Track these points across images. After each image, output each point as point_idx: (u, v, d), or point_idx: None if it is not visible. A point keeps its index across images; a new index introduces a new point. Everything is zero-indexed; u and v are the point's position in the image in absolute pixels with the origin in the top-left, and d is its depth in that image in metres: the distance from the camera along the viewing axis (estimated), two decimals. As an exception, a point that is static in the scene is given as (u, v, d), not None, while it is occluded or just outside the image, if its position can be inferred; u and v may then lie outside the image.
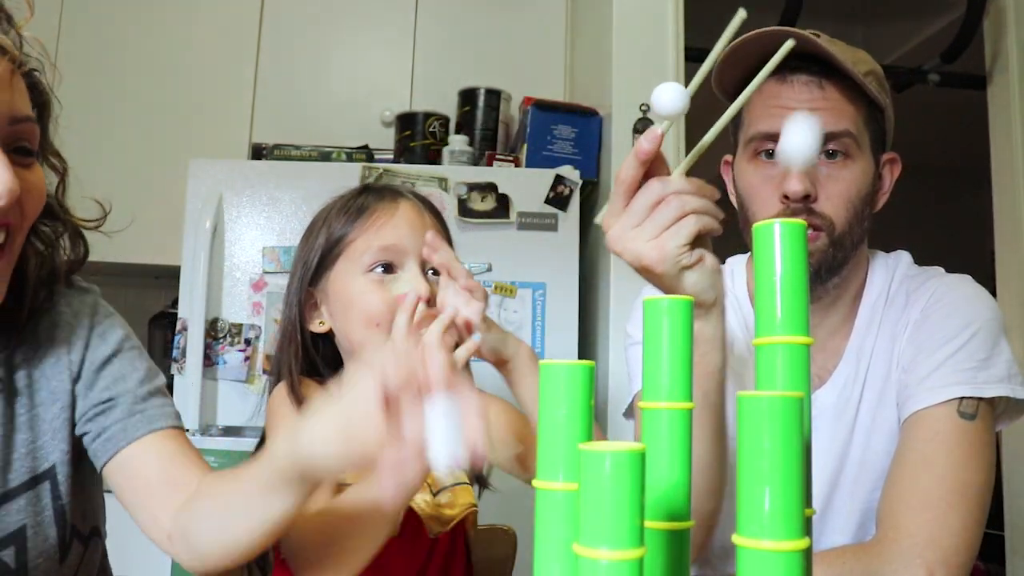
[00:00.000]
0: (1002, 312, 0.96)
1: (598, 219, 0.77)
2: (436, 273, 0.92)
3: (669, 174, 0.74)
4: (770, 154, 0.94)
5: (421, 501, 0.90)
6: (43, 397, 0.80)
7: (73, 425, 0.81)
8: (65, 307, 0.83)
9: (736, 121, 0.99)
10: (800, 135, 0.73)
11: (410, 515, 0.87)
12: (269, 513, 0.65)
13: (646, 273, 0.74)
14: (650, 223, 0.72)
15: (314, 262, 0.94)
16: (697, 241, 0.73)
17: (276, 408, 0.90)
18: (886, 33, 3.22)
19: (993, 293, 2.30)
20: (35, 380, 0.80)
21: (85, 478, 0.84)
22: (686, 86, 0.70)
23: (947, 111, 3.26)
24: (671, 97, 0.68)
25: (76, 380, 0.81)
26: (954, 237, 3.70)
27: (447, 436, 0.56)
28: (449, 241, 0.97)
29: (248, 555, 0.69)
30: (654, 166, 0.73)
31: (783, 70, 0.92)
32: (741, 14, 0.70)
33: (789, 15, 2.19)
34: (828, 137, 0.92)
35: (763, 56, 0.93)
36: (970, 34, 2.37)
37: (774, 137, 0.93)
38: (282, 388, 0.92)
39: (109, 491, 0.87)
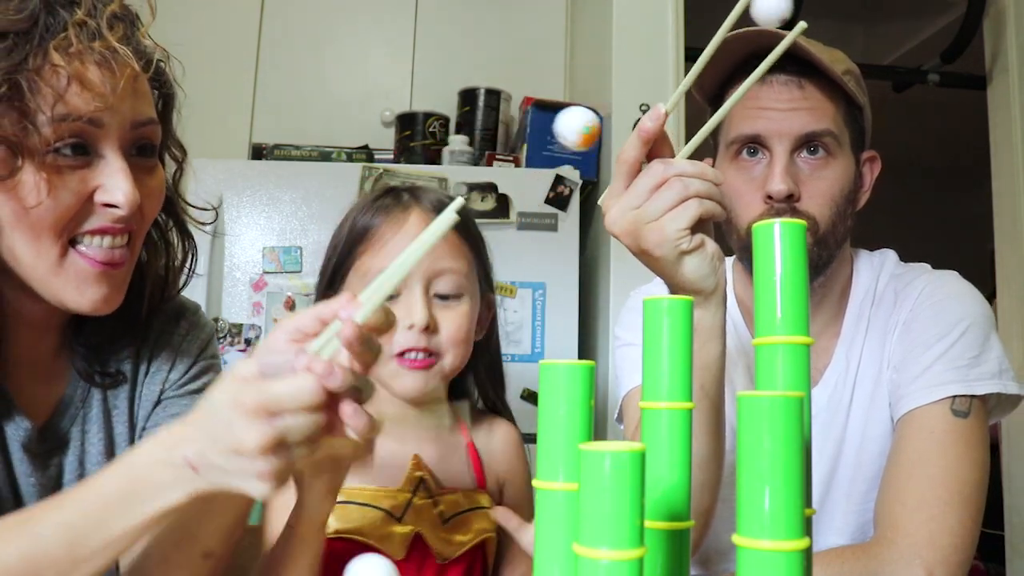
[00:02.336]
0: (989, 308, 0.96)
1: (600, 200, 0.76)
2: (444, 298, 0.88)
3: (673, 156, 0.72)
4: (752, 152, 0.94)
5: (429, 526, 0.87)
6: (145, 400, 0.83)
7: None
8: (184, 326, 0.85)
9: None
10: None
11: (417, 539, 0.86)
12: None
13: (644, 257, 0.72)
14: (650, 205, 0.70)
15: (328, 273, 0.92)
16: (698, 226, 0.71)
17: None
18: (886, 33, 3.23)
19: (993, 293, 2.30)
20: (138, 382, 0.83)
21: None
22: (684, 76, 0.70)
23: (947, 111, 3.26)
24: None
25: (160, 394, 0.83)
26: (954, 237, 3.70)
27: None
28: (475, 257, 0.93)
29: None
30: (657, 147, 0.71)
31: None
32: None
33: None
34: (809, 136, 0.92)
35: (745, 57, 0.93)
36: (970, 34, 2.37)
37: (755, 139, 0.93)
38: None
39: None
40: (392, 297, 0.84)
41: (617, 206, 0.72)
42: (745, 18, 0.71)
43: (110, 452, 0.79)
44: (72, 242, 0.68)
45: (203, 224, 0.87)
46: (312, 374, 0.53)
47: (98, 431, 0.79)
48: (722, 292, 0.75)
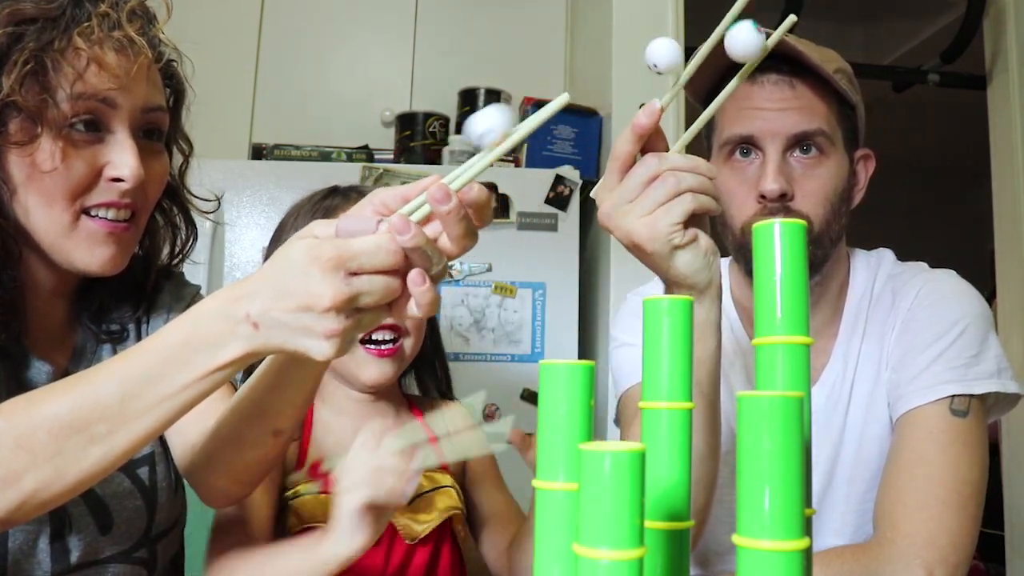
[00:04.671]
0: (987, 307, 0.96)
1: (593, 192, 0.76)
2: None
3: (667, 150, 0.72)
4: (745, 152, 0.94)
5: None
6: None
7: None
8: (170, 286, 0.92)
9: (709, 125, 0.98)
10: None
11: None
12: None
13: (637, 251, 0.72)
14: (643, 199, 0.70)
15: None
16: (692, 220, 0.70)
17: None
18: (886, 33, 3.22)
19: (993, 293, 2.30)
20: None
21: None
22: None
23: (947, 111, 3.26)
24: (666, 50, 0.66)
25: None
26: (954, 237, 3.70)
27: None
28: None
29: None
30: (652, 141, 0.71)
31: (753, 71, 0.92)
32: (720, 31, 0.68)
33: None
34: (801, 136, 0.92)
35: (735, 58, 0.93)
36: (970, 34, 2.37)
37: (748, 140, 0.93)
38: None
39: None
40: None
41: (610, 200, 0.72)
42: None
43: None
44: (88, 210, 0.75)
45: (206, 212, 0.93)
46: (389, 234, 0.54)
47: None
48: (717, 287, 0.75)
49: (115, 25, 0.73)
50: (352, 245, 0.54)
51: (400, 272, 0.56)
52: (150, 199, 0.81)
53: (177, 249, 0.91)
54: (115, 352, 0.86)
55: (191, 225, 0.92)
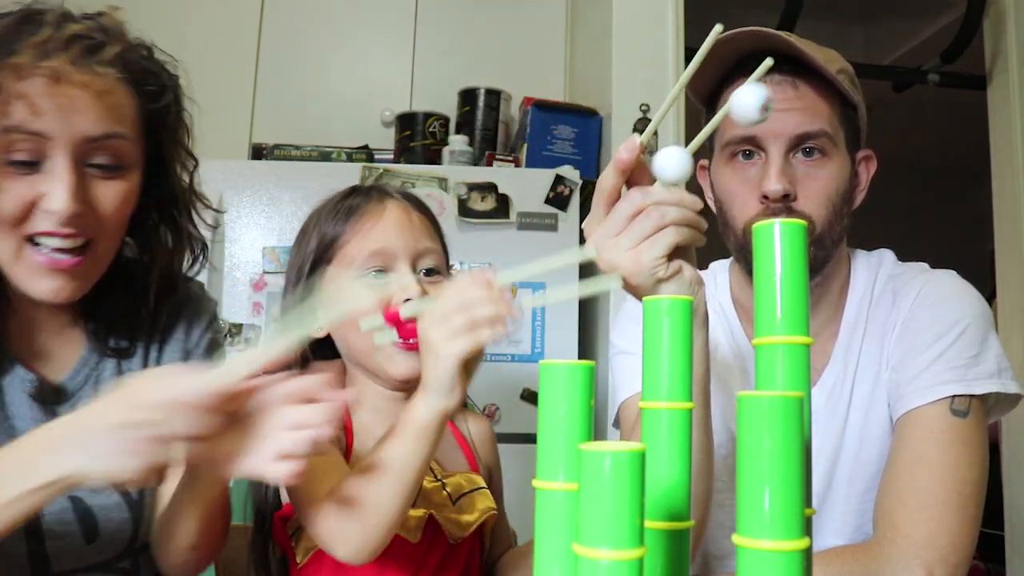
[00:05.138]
0: (988, 307, 0.96)
1: (583, 225, 0.77)
2: (429, 273, 0.92)
3: (652, 183, 0.72)
4: (748, 155, 0.94)
5: (440, 507, 0.89)
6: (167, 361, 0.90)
7: None
8: (187, 301, 0.92)
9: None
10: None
11: (430, 522, 0.87)
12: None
13: (623, 283, 0.73)
14: (628, 233, 0.71)
15: (307, 267, 0.94)
16: (678, 252, 0.71)
17: None
18: (886, 33, 3.22)
19: (993, 293, 2.30)
20: (159, 360, 0.90)
21: None
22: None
23: (947, 111, 3.26)
24: (675, 161, 0.67)
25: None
26: (954, 237, 3.70)
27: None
28: (440, 239, 0.97)
29: None
30: (636, 175, 0.72)
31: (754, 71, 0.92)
32: (717, 29, 0.68)
33: (789, 15, 2.19)
34: (804, 137, 0.92)
35: (737, 58, 0.93)
36: (970, 34, 2.37)
37: (750, 140, 0.93)
38: None
39: None
40: (380, 274, 0.90)
41: (596, 233, 0.73)
42: (731, 25, 0.71)
43: None
44: (33, 239, 0.75)
45: (208, 225, 0.93)
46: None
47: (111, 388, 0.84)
48: (703, 315, 0.76)
49: (46, 55, 0.72)
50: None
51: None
52: (107, 227, 0.79)
53: (190, 260, 0.92)
54: (119, 369, 0.87)
55: (199, 240, 0.92)
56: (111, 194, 0.78)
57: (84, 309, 0.85)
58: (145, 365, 0.89)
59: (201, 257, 0.93)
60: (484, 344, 0.69)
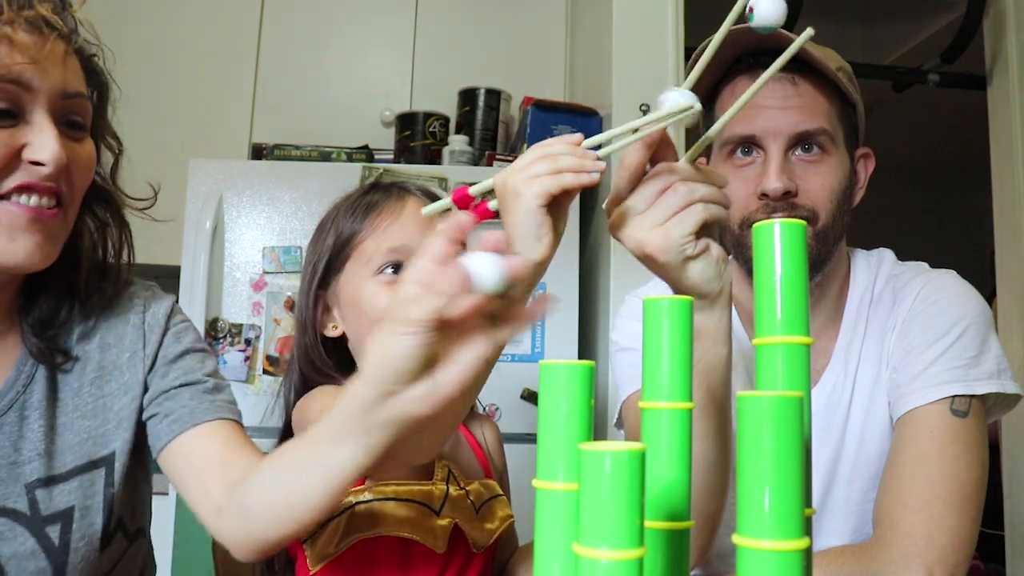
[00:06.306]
0: (988, 307, 0.96)
1: (603, 205, 0.75)
2: None
3: (677, 159, 0.71)
4: (747, 151, 0.94)
5: (465, 516, 0.88)
6: (113, 388, 0.84)
7: (140, 413, 0.84)
8: (139, 304, 0.87)
9: (708, 122, 0.98)
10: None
11: (456, 531, 0.86)
12: (337, 462, 0.61)
13: (648, 262, 0.71)
14: (655, 210, 0.69)
15: (323, 265, 0.92)
16: (703, 230, 0.70)
17: (310, 409, 0.86)
18: (886, 33, 3.22)
19: (993, 293, 2.30)
20: (107, 371, 0.84)
21: (138, 473, 0.87)
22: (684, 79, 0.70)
23: (947, 111, 3.26)
24: (677, 95, 0.66)
25: (150, 371, 0.85)
26: (954, 237, 3.70)
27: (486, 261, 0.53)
28: None
29: (309, 518, 0.65)
30: (661, 151, 0.71)
31: (756, 69, 0.92)
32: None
33: (789, 15, 2.19)
34: (804, 135, 0.92)
35: (735, 56, 0.93)
36: (970, 34, 2.37)
37: (750, 139, 0.93)
38: (315, 392, 0.88)
39: (158, 493, 0.93)
40: (397, 270, 0.87)
41: (621, 210, 0.71)
42: (740, 22, 0.71)
43: (50, 439, 0.80)
44: (7, 196, 0.71)
45: (142, 210, 0.89)
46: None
47: (38, 417, 0.80)
48: (727, 295, 0.74)
49: (26, 4, 0.71)
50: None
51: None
52: (76, 188, 0.77)
53: (111, 249, 0.87)
54: (52, 379, 0.81)
55: (123, 224, 0.88)
56: (82, 155, 0.77)
57: (16, 313, 0.81)
58: (83, 376, 0.83)
59: (125, 243, 0.88)
60: (567, 187, 0.63)
